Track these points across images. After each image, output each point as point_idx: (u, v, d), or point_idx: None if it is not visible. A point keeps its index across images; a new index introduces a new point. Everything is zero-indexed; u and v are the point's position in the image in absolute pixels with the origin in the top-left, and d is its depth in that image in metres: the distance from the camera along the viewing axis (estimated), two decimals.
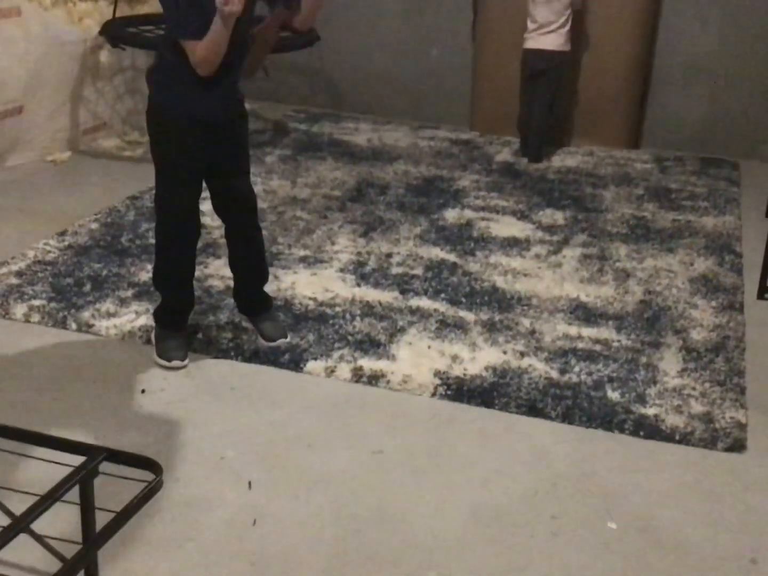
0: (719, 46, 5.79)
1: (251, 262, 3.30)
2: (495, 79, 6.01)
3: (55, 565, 2.01)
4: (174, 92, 2.92)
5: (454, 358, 3.24)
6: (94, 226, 4.28)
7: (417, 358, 3.23)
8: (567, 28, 5.47)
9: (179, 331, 3.21)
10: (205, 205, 3.15)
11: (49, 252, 3.96)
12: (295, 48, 5.55)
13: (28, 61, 4.98)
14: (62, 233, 4.17)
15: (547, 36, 5.48)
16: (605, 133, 5.93)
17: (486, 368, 3.18)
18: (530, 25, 5.53)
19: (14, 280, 3.68)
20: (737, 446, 2.82)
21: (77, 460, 1.84)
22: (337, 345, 3.29)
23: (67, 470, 1.78)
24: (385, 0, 6.35)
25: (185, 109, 2.91)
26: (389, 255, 4.10)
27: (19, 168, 5.03)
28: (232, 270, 3.34)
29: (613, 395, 3.05)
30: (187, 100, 2.90)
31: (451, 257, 4.11)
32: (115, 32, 5.19)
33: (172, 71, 2.91)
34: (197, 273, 3.31)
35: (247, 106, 3.17)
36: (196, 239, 3.15)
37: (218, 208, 3.19)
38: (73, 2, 5.30)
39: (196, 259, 3.22)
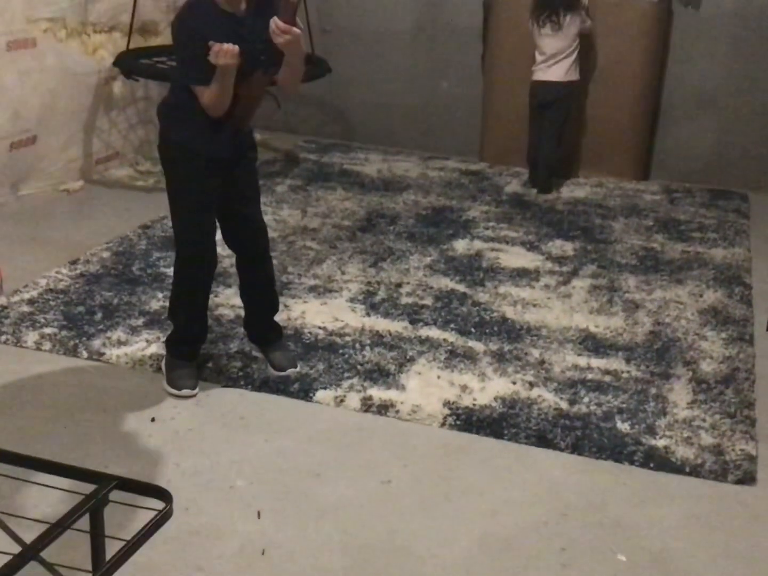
0: (728, 78, 5.82)
1: (262, 291, 3.32)
2: (504, 110, 6.04)
3: None
4: (185, 130, 2.96)
5: (464, 388, 3.24)
6: (106, 254, 4.31)
7: (426, 387, 3.24)
8: (574, 58, 5.52)
9: (190, 360, 3.22)
10: (216, 235, 3.17)
11: (61, 280, 3.98)
12: (305, 80, 5.58)
13: (43, 92, 5.04)
14: (74, 262, 4.19)
15: (554, 68, 5.52)
16: (614, 165, 5.94)
17: (495, 398, 3.18)
18: (538, 58, 5.58)
19: (26, 308, 3.70)
20: (747, 478, 2.81)
21: (87, 487, 1.84)
22: (346, 374, 3.29)
23: (77, 498, 1.78)
24: (396, 32, 6.41)
25: (196, 146, 2.95)
26: (399, 285, 4.11)
27: (32, 197, 5.06)
28: (243, 299, 3.35)
29: (623, 426, 3.04)
30: (198, 137, 2.94)
31: (461, 287, 4.12)
32: (129, 63, 5.25)
33: (183, 109, 2.95)
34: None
35: (258, 136, 3.20)
36: (212, 270, 3.18)
37: (229, 238, 3.21)
38: (88, 34, 5.36)
39: (210, 290, 3.25)
